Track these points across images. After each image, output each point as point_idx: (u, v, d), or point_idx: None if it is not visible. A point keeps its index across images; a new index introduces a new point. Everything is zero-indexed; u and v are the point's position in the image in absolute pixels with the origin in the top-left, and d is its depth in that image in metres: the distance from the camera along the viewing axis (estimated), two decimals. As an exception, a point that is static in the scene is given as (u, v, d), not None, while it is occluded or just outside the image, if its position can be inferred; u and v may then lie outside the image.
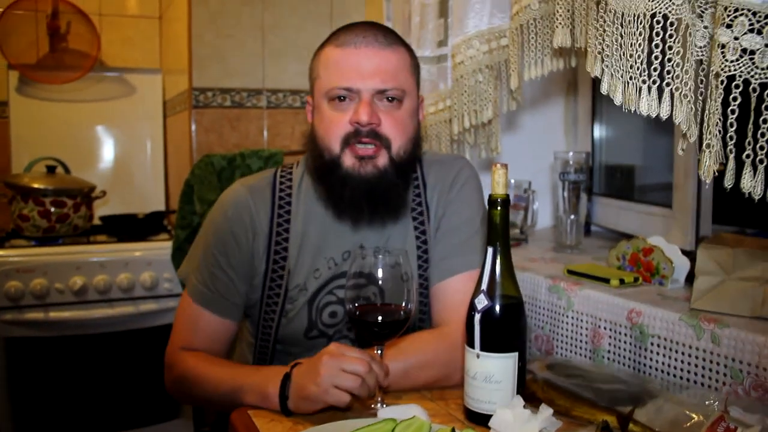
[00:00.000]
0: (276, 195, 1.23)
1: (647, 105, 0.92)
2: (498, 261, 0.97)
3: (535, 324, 1.40)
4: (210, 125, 2.33)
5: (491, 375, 0.96)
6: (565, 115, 2.13)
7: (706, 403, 0.86)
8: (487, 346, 0.96)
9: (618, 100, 0.91)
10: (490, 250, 0.97)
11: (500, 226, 0.97)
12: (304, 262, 1.21)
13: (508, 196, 0.97)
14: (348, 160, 1.14)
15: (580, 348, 1.27)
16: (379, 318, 1.01)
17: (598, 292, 1.22)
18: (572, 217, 1.71)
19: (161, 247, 2.17)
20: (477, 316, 0.96)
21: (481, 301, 0.97)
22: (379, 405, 1.02)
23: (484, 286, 0.97)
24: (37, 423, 2.05)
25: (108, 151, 2.69)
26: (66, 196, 2.11)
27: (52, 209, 2.09)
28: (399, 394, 1.10)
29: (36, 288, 1.97)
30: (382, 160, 1.14)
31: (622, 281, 1.25)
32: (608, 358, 1.20)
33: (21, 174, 2.24)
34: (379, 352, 1.03)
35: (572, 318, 1.29)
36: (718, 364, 0.98)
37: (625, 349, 1.16)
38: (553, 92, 2.08)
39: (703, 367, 1.01)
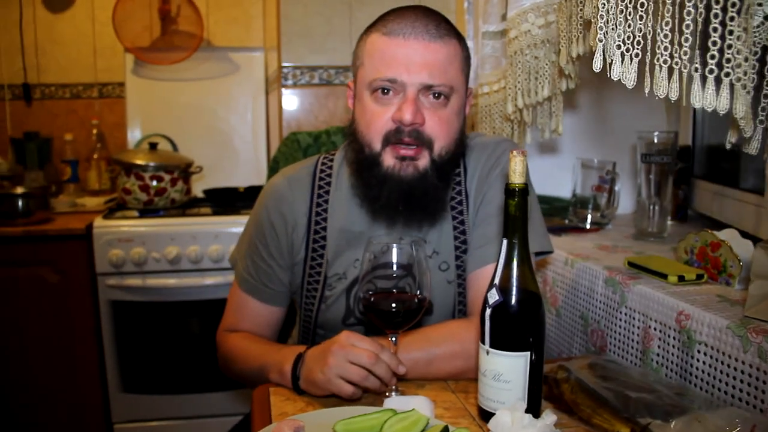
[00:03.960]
0: (315, 185, 1.22)
1: (700, 97, 0.81)
2: (514, 255, 0.91)
3: (591, 318, 1.31)
4: (299, 102, 2.39)
5: (500, 374, 0.91)
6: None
7: (727, 428, 0.76)
8: (497, 344, 0.91)
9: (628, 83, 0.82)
10: (504, 242, 0.91)
11: (518, 217, 0.91)
12: (344, 251, 1.20)
13: (526, 185, 0.90)
14: (388, 159, 1.09)
15: (631, 348, 1.17)
16: (393, 306, 0.99)
17: (651, 289, 1.12)
18: (655, 202, 1.57)
19: (251, 221, 2.27)
20: (488, 311, 0.91)
21: (493, 296, 0.91)
22: (393, 393, 1.01)
23: (496, 281, 0.92)
24: (140, 379, 2.26)
25: (213, 127, 2.82)
26: (164, 171, 2.26)
27: (152, 183, 2.25)
28: (422, 383, 1.09)
29: (135, 256, 2.15)
30: (423, 161, 1.09)
31: (681, 278, 1.13)
32: (657, 362, 1.10)
33: (125, 151, 2.43)
34: (393, 339, 1.02)
35: (625, 315, 1.19)
36: (764, 382, 0.86)
37: (673, 354, 1.05)
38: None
39: (749, 384, 0.89)
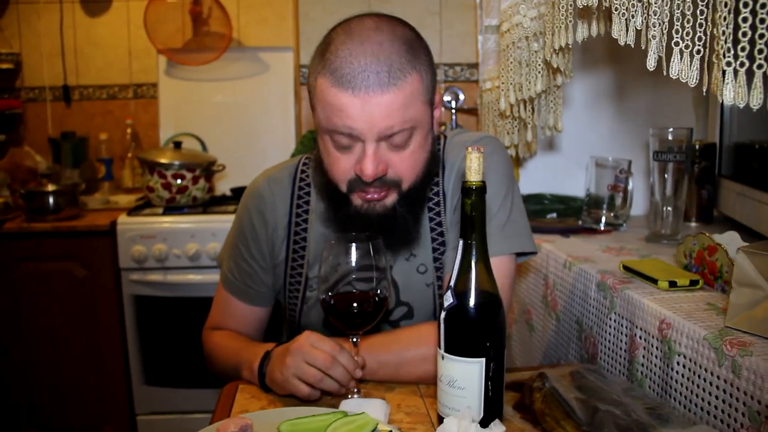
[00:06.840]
0: (296, 186, 1.20)
1: (731, 92, 0.74)
2: (471, 257, 0.87)
3: (585, 324, 1.25)
4: (318, 101, 2.37)
5: (455, 379, 0.87)
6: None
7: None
8: (452, 349, 0.87)
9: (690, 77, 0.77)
10: (461, 243, 0.87)
11: (475, 217, 0.87)
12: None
13: (483, 183, 0.86)
14: (356, 200, 1.06)
15: (619, 357, 1.11)
16: (354, 306, 0.96)
17: (638, 295, 1.05)
18: (669, 202, 1.48)
19: (271, 219, 2.28)
20: (443, 315, 0.88)
21: (448, 299, 0.88)
22: (356, 395, 0.99)
23: (452, 283, 0.88)
24: (162, 372, 2.31)
25: (244, 126, 2.83)
26: (185, 169, 2.30)
27: (175, 181, 2.30)
28: (392, 386, 1.06)
29: (156, 252, 2.20)
30: (391, 199, 1.05)
31: (672, 284, 1.06)
32: (642, 373, 1.03)
33: (149, 149, 2.48)
34: (354, 341, 0.99)
35: (614, 321, 1.13)
36: (737, 399, 0.79)
37: (656, 365, 0.99)
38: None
39: (723, 401, 0.82)
